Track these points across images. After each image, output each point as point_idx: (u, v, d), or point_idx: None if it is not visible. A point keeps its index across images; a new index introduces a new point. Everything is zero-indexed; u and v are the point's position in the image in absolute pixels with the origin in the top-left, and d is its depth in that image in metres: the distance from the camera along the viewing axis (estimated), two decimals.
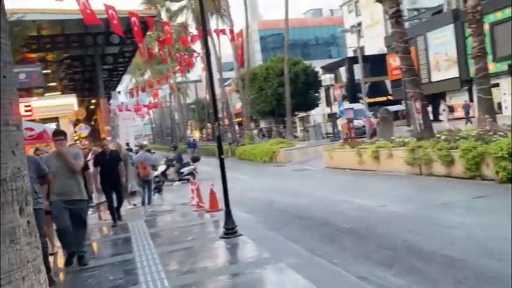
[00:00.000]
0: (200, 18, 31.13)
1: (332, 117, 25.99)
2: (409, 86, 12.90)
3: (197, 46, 43.16)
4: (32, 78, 23.82)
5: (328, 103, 32.06)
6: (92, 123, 34.22)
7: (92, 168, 9.48)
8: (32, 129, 7.47)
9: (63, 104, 24.31)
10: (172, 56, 38.71)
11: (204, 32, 8.83)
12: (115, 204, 9.88)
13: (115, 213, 9.75)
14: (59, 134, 6.52)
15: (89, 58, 28.33)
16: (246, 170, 19.91)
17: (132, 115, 23.80)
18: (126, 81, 70.88)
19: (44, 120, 24.23)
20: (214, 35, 36.32)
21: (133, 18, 15.56)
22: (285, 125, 43.76)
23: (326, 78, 30.08)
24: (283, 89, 38.08)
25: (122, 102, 44.39)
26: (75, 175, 6.30)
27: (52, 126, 19.43)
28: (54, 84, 28.27)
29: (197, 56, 34.68)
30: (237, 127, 49.49)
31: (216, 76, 47.03)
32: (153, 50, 25.67)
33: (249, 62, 38.08)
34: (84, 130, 25.02)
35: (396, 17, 12.52)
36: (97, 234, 9.52)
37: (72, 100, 24.99)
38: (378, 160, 13.94)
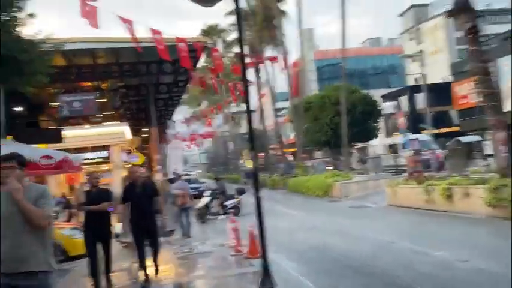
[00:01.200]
0: (252, 46, 30.53)
1: (392, 148, 23.93)
2: (489, 113, 10.97)
3: (251, 76, 43.05)
4: (86, 106, 24.04)
5: (389, 133, 29.91)
6: (145, 151, 34.23)
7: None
8: (49, 157, 6.53)
9: (114, 132, 24.23)
10: (225, 84, 38.58)
11: (242, 58, 7.67)
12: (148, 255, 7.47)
13: (146, 267, 7.24)
14: (8, 159, 3.46)
15: (143, 87, 28.44)
16: (298, 205, 18.35)
17: (181, 144, 23.17)
18: (184, 112, 72.24)
19: (95, 149, 24.31)
20: (267, 64, 36.03)
21: (181, 44, 14.96)
22: (341, 156, 41.88)
23: (386, 107, 28.08)
24: (340, 118, 36.52)
25: (178, 132, 44.75)
26: (36, 231, 3.35)
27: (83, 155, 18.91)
28: (108, 113, 28.57)
29: (249, 85, 34.23)
30: (290, 157, 48.29)
31: (269, 106, 46.53)
32: (205, 79, 25.30)
33: (304, 91, 36.97)
34: (134, 158, 24.75)
35: (473, 34, 10.78)
36: None
37: (123, 129, 24.89)
38: (451, 199, 11.93)
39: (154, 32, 14.04)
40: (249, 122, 6.07)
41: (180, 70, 26.33)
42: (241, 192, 16.25)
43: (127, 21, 12.72)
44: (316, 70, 72.36)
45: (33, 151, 6.92)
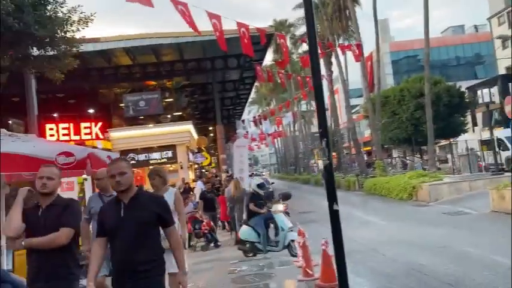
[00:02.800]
0: (327, 38, 28.35)
1: (489, 143, 20.55)
2: None
3: (322, 70, 40.64)
4: (151, 105, 23.48)
5: (486, 126, 26.08)
6: (212, 151, 33.41)
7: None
8: (69, 155, 5.14)
9: (180, 131, 23.43)
10: (293, 78, 36.64)
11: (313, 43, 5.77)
12: None
13: None
14: None
15: (209, 85, 27.51)
16: (378, 210, 16.01)
17: (246, 142, 21.69)
18: (253, 111, 71.52)
19: (162, 148, 23.66)
20: (340, 57, 33.56)
21: (242, 29, 13.42)
22: (422, 154, 38.15)
23: (482, 95, 24.49)
24: (421, 112, 33.11)
25: (247, 131, 43.62)
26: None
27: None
28: (176, 113, 28.00)
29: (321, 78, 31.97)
30: (365, 157, 45.07)
31: (342, 103, 43.78)
32: (272, 74, 23.67)
33: (380, 86, 34.00)
34: (199, 159, 23.81)
35: None
36: None
37: (188, 127, 24.02)
38: None
39: (212, 17, 12.64)
40: (321, 114, 4.21)
41: (245, 65, 25.09)
42: (286, 197, 14.13)
43: (213, 17, 11.43)
44: (392, 63, 68.08)
45: (51, 147, 5.61)
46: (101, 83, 23.80)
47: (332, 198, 3.75)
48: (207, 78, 26.58)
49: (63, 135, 21.00)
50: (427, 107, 23.68)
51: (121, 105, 24.46)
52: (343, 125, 43.24)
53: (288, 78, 32.67)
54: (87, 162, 5.58)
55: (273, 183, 32.03)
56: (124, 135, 22.93)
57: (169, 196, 5.23)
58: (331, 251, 5.75)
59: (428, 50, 23.83)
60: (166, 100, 27.10)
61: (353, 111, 43.17)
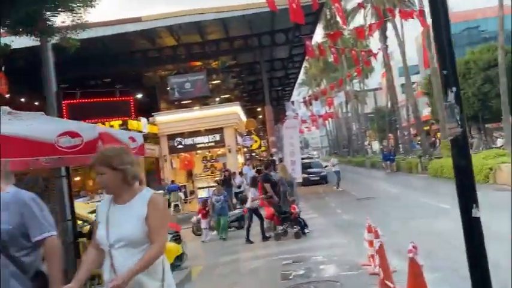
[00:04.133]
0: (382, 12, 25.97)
1: None
2: None
3: (374, 45, 37.98)
4: (197, 87, 22.46)
5: None
6: (261, 134, 32.15)
7: None
8: (74, 135, 3.94)
9: (227, 113, 22.30)
10: (346, 55, 34.32)
11: None
12: None
13: None
14: None
15: (256, 65, 26.10)
16: (451, 196, 13.97)
17: (297, 123, 20.21)
18: (303, 93, 69.37)
19: (209, 131, 22.67)
20: (396, 30, 30.94)
21: None
22: (486, 132, 34.80)
23: None
24: (489, 86, 29.96)
25: (296, 113, 42.00)
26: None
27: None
28: (223, 96, 26.91)
29: (376, 54, 29.43)
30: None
31: (397, 82, 40.78)
32: (324, 48, 21.91)
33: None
34: (248, 142, 22.62)
35: None
36: None
37: (236, 109, 22.84)
38: None
39: None
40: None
41: (294, 40, 23.40)
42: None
43: None
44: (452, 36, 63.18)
45: (51, 126, 4.43)
46: (145, 65, 23.05)
47: (468, 197, 2.24)
48: (255, 57, 25.16)
49: None
50: (502, 77, 20.94)
51: (167, 89, 23.67)
52: (402, 103, 40.36)
53: (341, 53, 30.49)
54: (98, 145, 4.38)
55: (326, 166, 30.45)
56: (170, 119, 22.16)
57: (141, 203, 2.64)
58: (421, 259, 4.27)
59: (502, 14, 20.99)
60: (212, 82, 26.04)
61: (405, 90, 40.27)
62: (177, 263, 8.12)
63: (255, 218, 10.81)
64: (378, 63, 64.69)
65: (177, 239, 8.35)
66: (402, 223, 10.27)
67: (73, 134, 4.26)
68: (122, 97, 19.43)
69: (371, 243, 6.09)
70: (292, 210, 10.41)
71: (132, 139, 5.33)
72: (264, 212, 10.97)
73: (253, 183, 11.51)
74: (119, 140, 4.85)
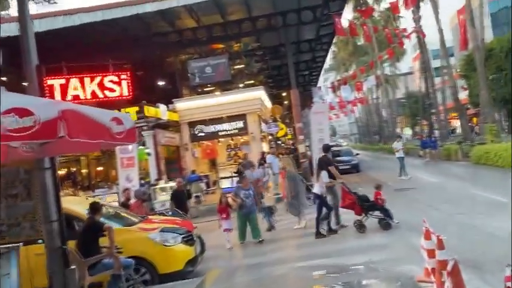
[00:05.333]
0: None
1: None
2: None
3: (409, 23, 35.65)
4: (218, 71, 21.19)
5: None
6: (287, 121, 30.70)
7: None
8: (25, 113, 2.73)
9: (250, 99, 21.00)
10: (377, 37, 32.31)
11: None
12: None
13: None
14: None
15: (281, 48, 24.56)
16: (503, 185, 12.25)
17: (325, 107, 18.75)
18: (331, 79, 67.21)
19: (231, 118, 21.42)
20: (433, 3, 28.63)
21: None
22: None
23: None
24: None
25: (324, 99, 40.33)
26: None
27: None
28: (248, 81, 25.56)
29: (410, 34, 27.47)
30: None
31: (432, 65, 38.21)
32: (355, 26, 20.28)
33: (483, 37, 28.61)
34: (273, 129, 21.25)
35: None
36: None
37: (259, 94, 21.49)
38: None
39: None
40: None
41: (322, 18, 21.76)
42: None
43: None
44: (491, 16, 59.62)
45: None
46: (165, 50, 21.92)
47: None
48: (280, 39, 23.61)
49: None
50: None
51: (188, 74, 22.51)
52: (438, 85, 37.98)
53: (374, 32, 28.59)
54: (58, 126, 3.16)
55: (357, 154, 28.79)
56: (191, 106, 21.04)
57: None
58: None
59: None
60: (235, 67, 24.73)
61: (441, 73, 37.83)
62: (189, 268, 6.94)
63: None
64: (409, 46, 62.04)
65: (188, 239, 7.16)
66: (451, 219, 8.78)
67: (22, 112, 3.06)
68: (116, 72, 16.71)
69: (431, 253, 4.70)
70: (378, 197, 9.08)
71: (117, 121, 4.10)
72: (331, 201, 9.55)
73: (323, 164, 9.61)
74: (93, 120, 3.62)
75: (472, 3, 25.19)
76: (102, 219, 7.17)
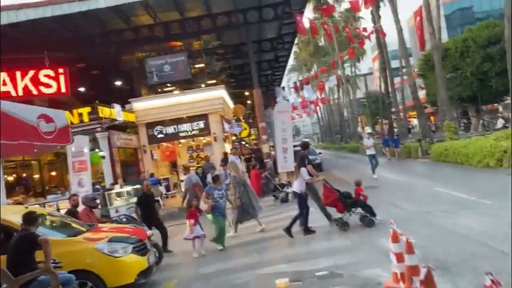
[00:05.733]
0: None
1: None
2: None
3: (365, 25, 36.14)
4: (177, 69, 20.49)
5: None
6: (251, 120, 30.31)
7: None
8: None
9: (211, 98, 20.41)
10: (337, 38, 32.49)
11: None
12: None
13: None
14: None
15: (243, 47, 24.11)
16: (468, 184, 12.31)
17: (289, 106, 18.47)
18: (293, 79, 67.49)
19: (192, 118, 20.77)
20: (392, 4, 29.04)
21: None
22: (480, 113, 33.29)
23: None
24: (490, 65, 28.43)
25: (287, 100, 40.35)
26: None
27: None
28: (206, 79, 24.92)
29: (371, 32, 27.69)
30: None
31: (392, 65, 38.77)
32: (315, 25, 20.13)
33: (440, 37, 29.28)
34: (236, 129, 20.79)
35: None
36: None
37: (221, 93, 20.95)
38: None
39: None
40: None
41: (284, 16, 21.49)
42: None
43: None
44: (445, 18, 61.64)
45: None
46: (121, 47, 20.98)
47: None
48: (241, 38, 23.18)
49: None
50: (508, 53, 19.31)
51: (147, 73, 21.64)
52: (396, 85, 38.64)
53: (335, 31, 28.60)
54: None
55: (320, 153, 28.78)
56: (149, 106, 20.21)
57: None
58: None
59: None
60: (196, 66, 24.07)
61: (399, 73, 38.59)
62: (141, 280, 6.34)
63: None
64: (368, 47, 63.19)
65: (140, 249, 6.56)
66: (417, 217, 8.61)
67: None
68: (51, 67, 15.32)
69: (399, 257, 4.36)
70: (361, 193, 8.73)
71: (47, 119, 3.51)
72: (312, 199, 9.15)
73: (304, 162, 9.08)
74: (14, 118, 3.02)
75: (427, 6, 25.68)
76: (44, 229, 6.48)
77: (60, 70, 15.39)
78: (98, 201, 11.38)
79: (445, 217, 8.30)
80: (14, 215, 6.08)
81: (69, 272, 5.66)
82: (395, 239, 4.48)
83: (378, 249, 6.79)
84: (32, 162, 23.91)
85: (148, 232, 8.38)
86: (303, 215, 8.80)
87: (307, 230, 8.72)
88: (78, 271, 5.86)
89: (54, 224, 6.80)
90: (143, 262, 6.44)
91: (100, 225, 7.54)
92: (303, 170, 8.79)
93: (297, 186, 8.86)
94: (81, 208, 8.69)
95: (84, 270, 5.92)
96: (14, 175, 23.36)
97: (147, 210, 9.41)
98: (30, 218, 5.16)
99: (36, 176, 24.66)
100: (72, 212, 8.50)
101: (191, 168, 15.18)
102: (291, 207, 12.77)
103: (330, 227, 8.92)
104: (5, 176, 22.57)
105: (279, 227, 9.48)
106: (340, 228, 8.50)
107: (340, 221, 8.63)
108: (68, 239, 6.25)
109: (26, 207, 6.99)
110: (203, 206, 9.19)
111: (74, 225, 7.10)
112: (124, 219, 9.47)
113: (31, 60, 15.58)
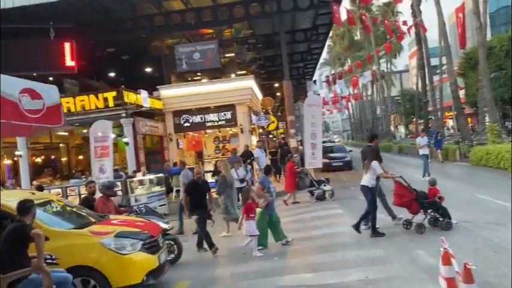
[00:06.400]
0: None
1: None
2: None
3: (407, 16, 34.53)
4: (207, 58, 19.90)
5: None
6: (279, 113, 29.51)
7: None
8: None
9: (239, 88, 19.73)
10: (376, 28, 31.14)
11: None
12: None
13: None
14: None
15: (275, 36, 23.30)
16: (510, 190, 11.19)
17: (320, 100, 17.55)
18: (325, 74, 66.09)
19: (219, 108, 20.19)
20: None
21: None
22: None
23: None
24: None
25: (318, 94, 39.33)
26: None
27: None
28: (235, 69, 24.29)
29: (412, 26, 26.30)
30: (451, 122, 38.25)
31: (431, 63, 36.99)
32: (353, 15, 19.09)
33: (485, 35, 27.53)
34: (264, 121, 20.08)
35: None
36: None
37: (249, 83, 20.23)
38: None
39: None
40: None
41: (320, 5, 20.54)
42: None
43: None
44: (489, 15, 58.72)
45: None
46: (151, 33, 20.56)
47: None
48: (273, 28, 22.38)
49: None
50: None
51: (176, 60, 21.16)
52: (435, 83, 36.91)
53: (374, 22, 27.31)
54: None
55: (350, 151, 27.68)
56: (176, 94, 19.73)
57: None
58: None
59: None
60: (226, 55, 23.45)
61: (437, 71, 36.81)
62: (150, 280, 5.75)
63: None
64: (406, 43, 60.96)
65: (151, 246, 5.96)
66: (459, 226, 7.70)
67: None
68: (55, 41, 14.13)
69: (451, 283, 3.57)
70: (438, 194, 7.95)
71: (32, 94, 2.90)
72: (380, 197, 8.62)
73: (378, 155, 8.28)
74: None
75: (471, 1, 24.10)
76: (51, 217, 5.99)
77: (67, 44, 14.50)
78: (117, 189, 10.94)
79: (493, 229, 7.38)
80: (13, 201, 5.54)
81: (71, 268, 5.15)
82: (447, 261, 3.68)
83: (415, 263, 6.00)
84: (60, 145, 23.98)
85: (166, 226, 7.81)
86: (372, 212, 8.00)
87: (376, 232, 7.94)
88: (80, 267, 5.35)
89: (59, 213, 6.28)
90: (153, 261, 5.84)
91: (111, 216, 7.00)
92: (375, 163, 7.98)
93: (368, 180, 8.05)
94: (98, 196, 8.24)
95: (87, 267, 5.39)
96: (42, 157, 23.48)
97: (198, 200, 8.46)
98: (24, 207, 4.62)
99: (64, 159, 24.74)
100: (88, 200, 8.03)
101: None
102: (326, 205, 12.04)
103: (373, 234, 7.99)
104: (34, 157, 22.84)
105: (307, 228, 8.74)
106: (417, 231, 7.72)
107: (410, 222, 7.97)
108: (72, 231, 5.72)
109: (33, 193, 6.49)
110: (256, 199, 8.27)
111: (83, 215, 6.59)
112: (143, 210, 8.94)
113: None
